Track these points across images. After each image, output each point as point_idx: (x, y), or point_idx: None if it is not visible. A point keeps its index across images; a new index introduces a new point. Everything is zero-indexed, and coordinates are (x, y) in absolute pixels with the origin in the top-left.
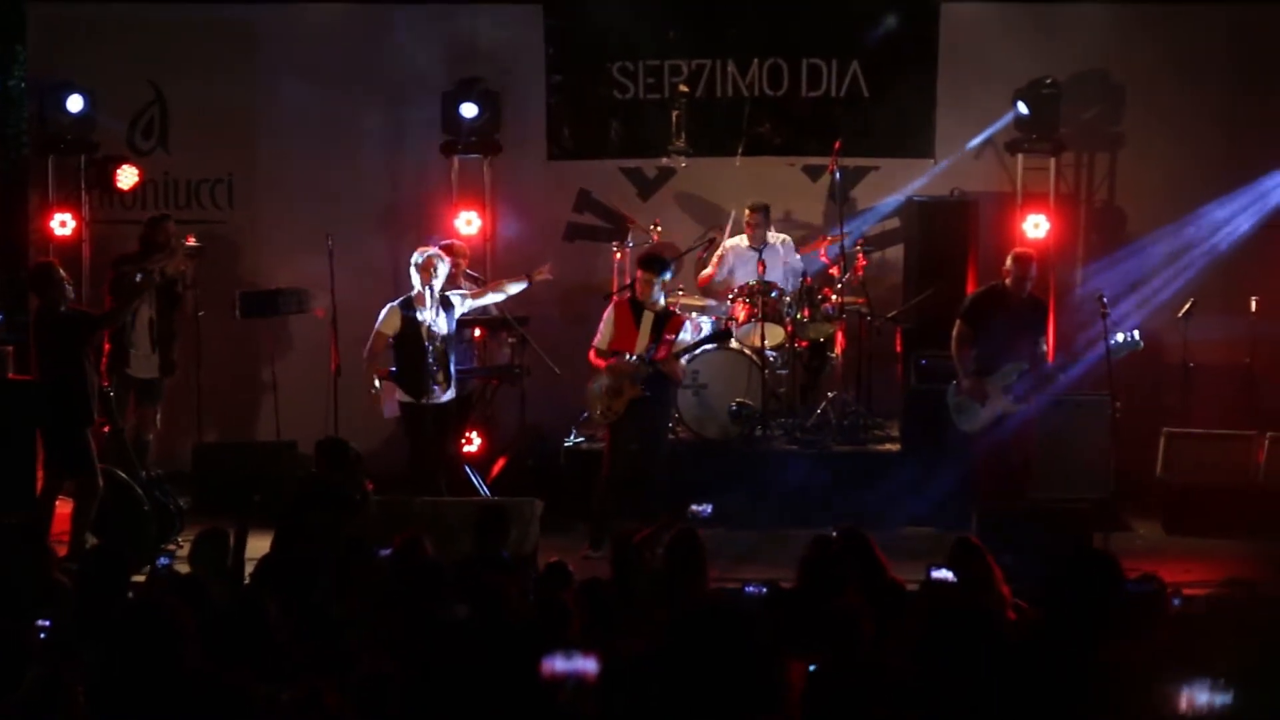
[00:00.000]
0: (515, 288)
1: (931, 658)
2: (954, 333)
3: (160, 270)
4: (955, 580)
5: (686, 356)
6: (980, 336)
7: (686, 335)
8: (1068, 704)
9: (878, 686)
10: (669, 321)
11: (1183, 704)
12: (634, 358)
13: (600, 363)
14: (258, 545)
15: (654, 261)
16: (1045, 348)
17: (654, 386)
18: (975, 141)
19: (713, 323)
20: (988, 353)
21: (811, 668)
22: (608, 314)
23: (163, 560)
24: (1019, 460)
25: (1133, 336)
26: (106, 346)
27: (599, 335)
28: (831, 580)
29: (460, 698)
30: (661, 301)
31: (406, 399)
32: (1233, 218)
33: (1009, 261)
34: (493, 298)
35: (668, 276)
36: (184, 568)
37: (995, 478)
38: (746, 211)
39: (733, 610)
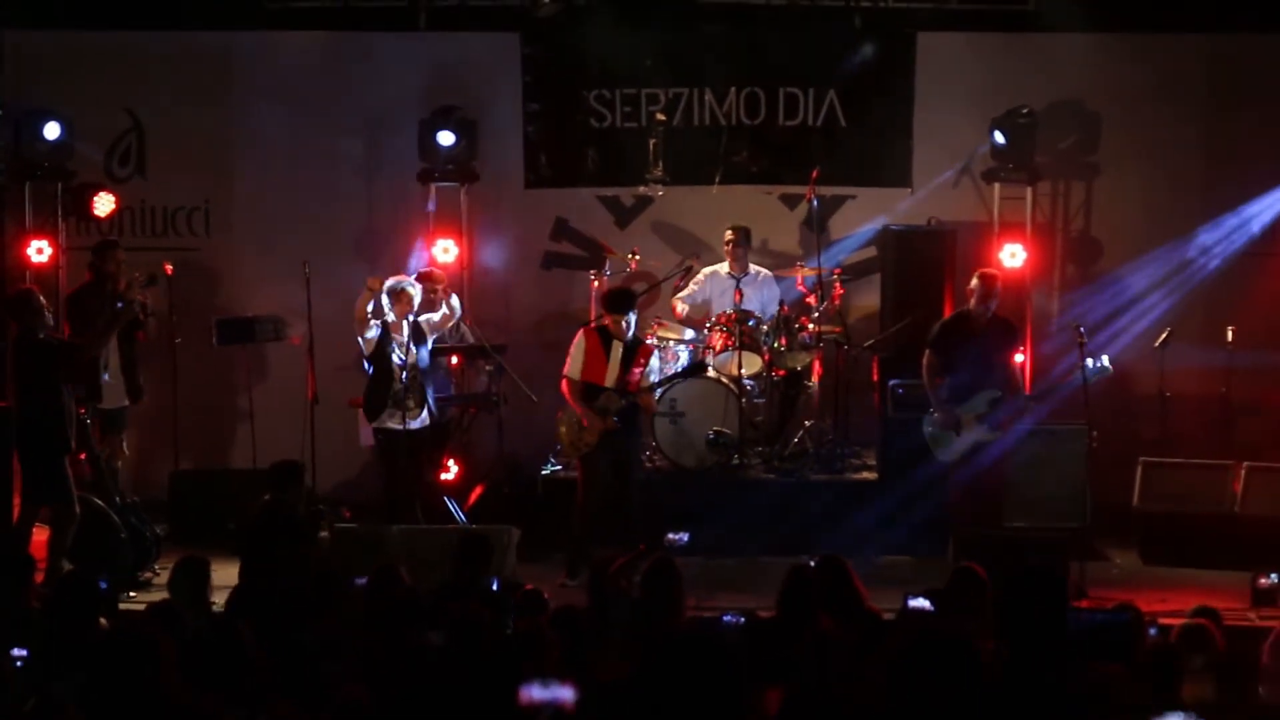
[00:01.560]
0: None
1: (907, 686)
2: (924, 363)
3: (134, 301)
4: (933, 609)
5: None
6: (950, 365)
7: (657, 364)
8: None
9: (852, 714)
10: (639, 350)
11: None
12: (606, 389)
13: (571, 395)
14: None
15: (618, 302)
16: (1018, 371)
17: (625, 417)
18: (946, 175)
19: (689, 352)
20: (960, 381)
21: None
22: (577, 341)
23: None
24: (995, 489)
25: (1101, 363)
26: None
27: (569, 364)
28: (809, 609)
29: None
30: (632, 331)
31: (378, 425)
32: (1214, 245)
33: (973, 281)
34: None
35: (633, 316)
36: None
37: (972, 506)
38: (727, 233)
39: (709, 639)
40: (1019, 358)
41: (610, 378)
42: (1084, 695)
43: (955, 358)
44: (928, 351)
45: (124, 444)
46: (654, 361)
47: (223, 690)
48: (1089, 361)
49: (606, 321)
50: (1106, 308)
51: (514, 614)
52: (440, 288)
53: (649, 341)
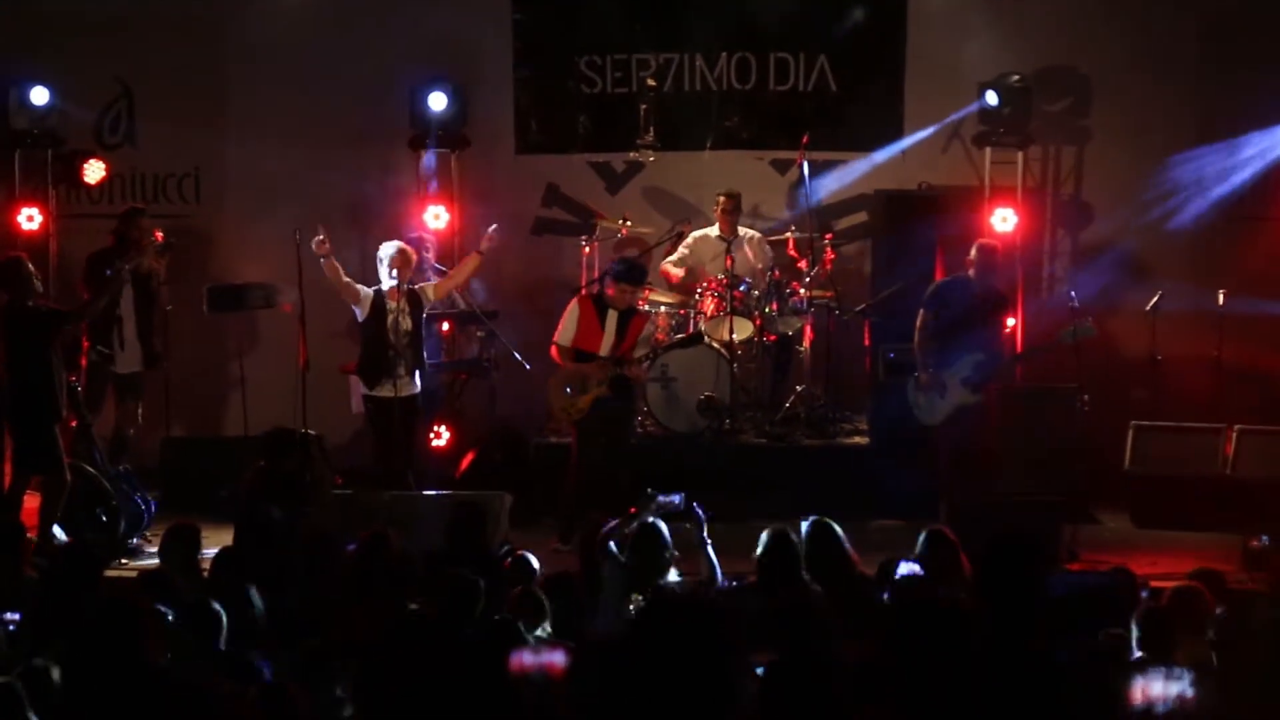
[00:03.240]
0: (470, 265)
1: (896, 651)
2: (917, 323)
3: (134, 266)
4: (923, 574)
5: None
6: (942, 327)
7: (650, 332)
8: (1024, 695)
9: (839, 679)
10: (633, 320)
11: (1146, 695)
12: (600, 358)
13: (562, 361)
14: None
15: (635, 274)
16: (1006, 341)
17: (617, 385)
18: (930, 130)
19: (680, 319)
20: (949, 343)
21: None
22: (571, 308)
23: None
24: (983, 451)
25: (1085, 323)
26: (85, 344)
27: (560, 330)
28: (790, 575)
29: (429, 691)
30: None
31: (369, 392)
32: (1233, 169)
33: (973, 252)
34: (456, 280)
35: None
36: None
37: (962, 470)
38: (720, 198)
39: (698, 603)
40: (1010, 321)
41: (605, 346)
42: (1071, 661)
43: (948, 319)
44: (922, 311)
45: (139, 411)
46: (646, 329)
47: (214, 659)
48: (1073, 324)
49: (610, 290)
50: (1097, 270)
51: (506, 579)
52: (430, 253)
53: (643, 310)
